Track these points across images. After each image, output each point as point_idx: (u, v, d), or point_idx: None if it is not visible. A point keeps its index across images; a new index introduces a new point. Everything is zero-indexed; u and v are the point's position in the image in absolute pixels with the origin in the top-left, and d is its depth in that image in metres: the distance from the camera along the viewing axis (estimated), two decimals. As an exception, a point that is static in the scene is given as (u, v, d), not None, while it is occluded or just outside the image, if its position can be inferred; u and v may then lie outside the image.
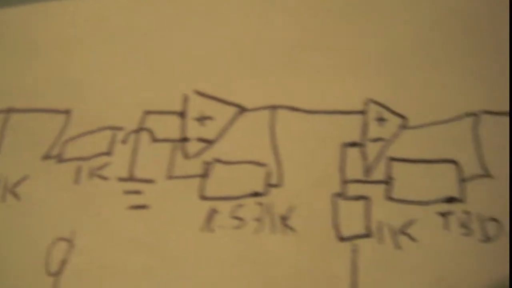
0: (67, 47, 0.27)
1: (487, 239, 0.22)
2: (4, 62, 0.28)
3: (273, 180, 0.23)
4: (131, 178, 0.24)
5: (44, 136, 0.26)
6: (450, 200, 0.22)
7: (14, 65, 0.27)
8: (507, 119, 0.23)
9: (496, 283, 0.21)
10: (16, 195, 0.25)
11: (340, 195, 0.23)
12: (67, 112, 0.26)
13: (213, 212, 0.23)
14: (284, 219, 0.23)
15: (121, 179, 0.24)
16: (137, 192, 0.24)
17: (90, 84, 0.26)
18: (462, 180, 0.22)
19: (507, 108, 0.23)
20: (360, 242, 0.22)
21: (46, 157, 0.25)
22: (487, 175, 0.22)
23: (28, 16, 0.28)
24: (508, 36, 0.24)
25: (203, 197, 0.23)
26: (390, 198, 0.22)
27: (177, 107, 0.25)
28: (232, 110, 0.25)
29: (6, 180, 0.25)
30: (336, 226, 0.22)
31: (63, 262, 0.24)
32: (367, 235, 0.22)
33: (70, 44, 0.27)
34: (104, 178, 0.24)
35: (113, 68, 0.26)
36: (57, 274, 0.23)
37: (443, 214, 0.22)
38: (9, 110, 0.27)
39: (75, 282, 0.23)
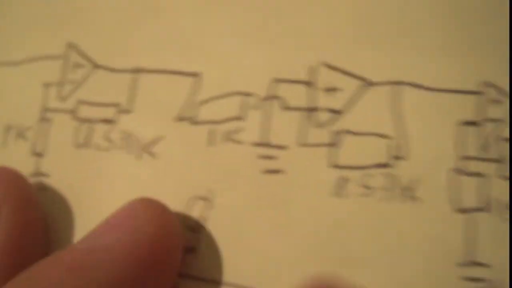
0: (191, 10, 0.28)
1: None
2: (127, 20, 0.29)
3: (398, 153, 0.26)
4: (264, 144, 0.26)
5: (173, 97, 0.27)
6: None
7: (137, 24, 0.29)
8: None
9: None
10: (152, 154, 0.27)
11: (458, 170, 0.25)
12: (195, 75, 0.28)
13: (342, 179, 0.25)
14: (408, 190, 0.25)
15: (255, 144, 0.26)
16: (271, 157, 0.26)
17: (216, 48, 0.28)
18: None
19: None
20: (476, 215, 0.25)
21: (180, 118, 0.27)
22: None
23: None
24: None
25: (333, 165, 0.26)
26: (502, 176, 0.25)
27: (304, 77, 0.27)
28: (357, 82, 0.26)
29: (140, 139, 0.27)
30: (454, 199, 0.25)
31: (203, 219, 0.26)
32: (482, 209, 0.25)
33: (194, 7, 0.28)
34: (238, 142, 0.26)
35: (241, 34, 0.27)
36: (197, 230, 0.26)
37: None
38: (138, 70, 0.28)
39: (217, 238, 0.26)
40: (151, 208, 0.25)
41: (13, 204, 0.25)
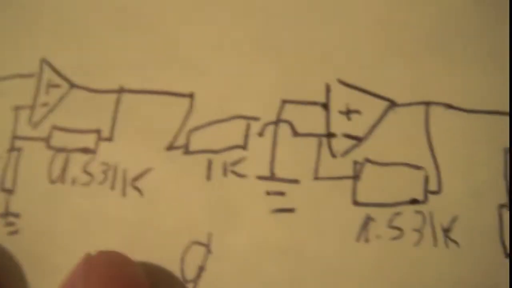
0: (176, 23, 0.24)
1: None
2: (109, 34, 0.24)
3: (432, 186, 0.21)
4: (272, 177, 0.22)
5: (163, 122, 0.23)
6: None
7: (121, 40, 0.24)
8: None
9: None
10: (139, 190, 0.23)
11: (506, 206, 0.21)
12: (187, 96, 0.23)
13: (368, 219, 0.21)
14: (446, 231, 0.21)
15: (261, 178, 0.22)
16: (280, 193, 0.22)
17: (212, 66, 0.23)
18: None
19: None
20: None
21: (171, 147, 0.23)
22: None
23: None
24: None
25: (356, 202, 0.22)
26: None
27: (319, 98, 0.23)
28: (380, 103, 0.22)
29: (125, 172, 0.23)
30: (502, 241, 0.21)
31: (201, 269, 0.22)
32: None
33: (180, 20, 0.24)
34: (241, 175, 0.22)
35: (243, 48, 0.23)
36: (194, 281, 0.22)
37: None
38: (121, 90, 0.24)
39: (214, 290, 0.22)
40: (107, 268, 0.20)
41: None
